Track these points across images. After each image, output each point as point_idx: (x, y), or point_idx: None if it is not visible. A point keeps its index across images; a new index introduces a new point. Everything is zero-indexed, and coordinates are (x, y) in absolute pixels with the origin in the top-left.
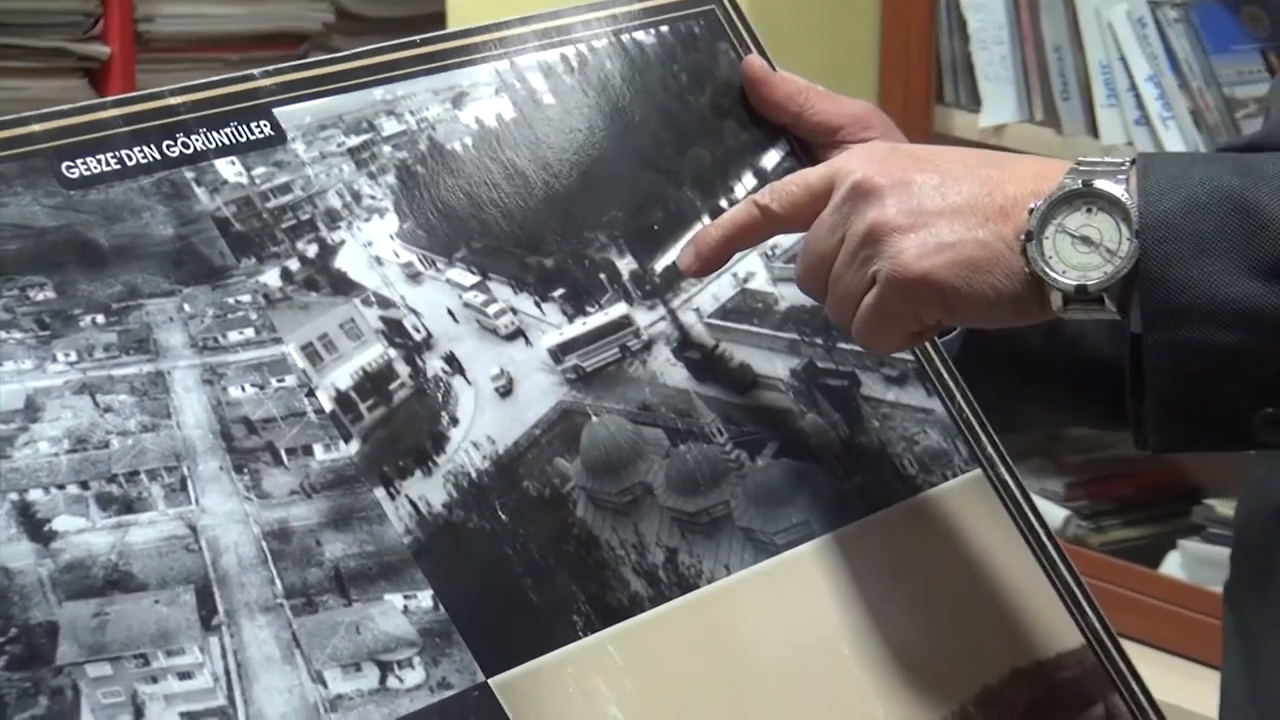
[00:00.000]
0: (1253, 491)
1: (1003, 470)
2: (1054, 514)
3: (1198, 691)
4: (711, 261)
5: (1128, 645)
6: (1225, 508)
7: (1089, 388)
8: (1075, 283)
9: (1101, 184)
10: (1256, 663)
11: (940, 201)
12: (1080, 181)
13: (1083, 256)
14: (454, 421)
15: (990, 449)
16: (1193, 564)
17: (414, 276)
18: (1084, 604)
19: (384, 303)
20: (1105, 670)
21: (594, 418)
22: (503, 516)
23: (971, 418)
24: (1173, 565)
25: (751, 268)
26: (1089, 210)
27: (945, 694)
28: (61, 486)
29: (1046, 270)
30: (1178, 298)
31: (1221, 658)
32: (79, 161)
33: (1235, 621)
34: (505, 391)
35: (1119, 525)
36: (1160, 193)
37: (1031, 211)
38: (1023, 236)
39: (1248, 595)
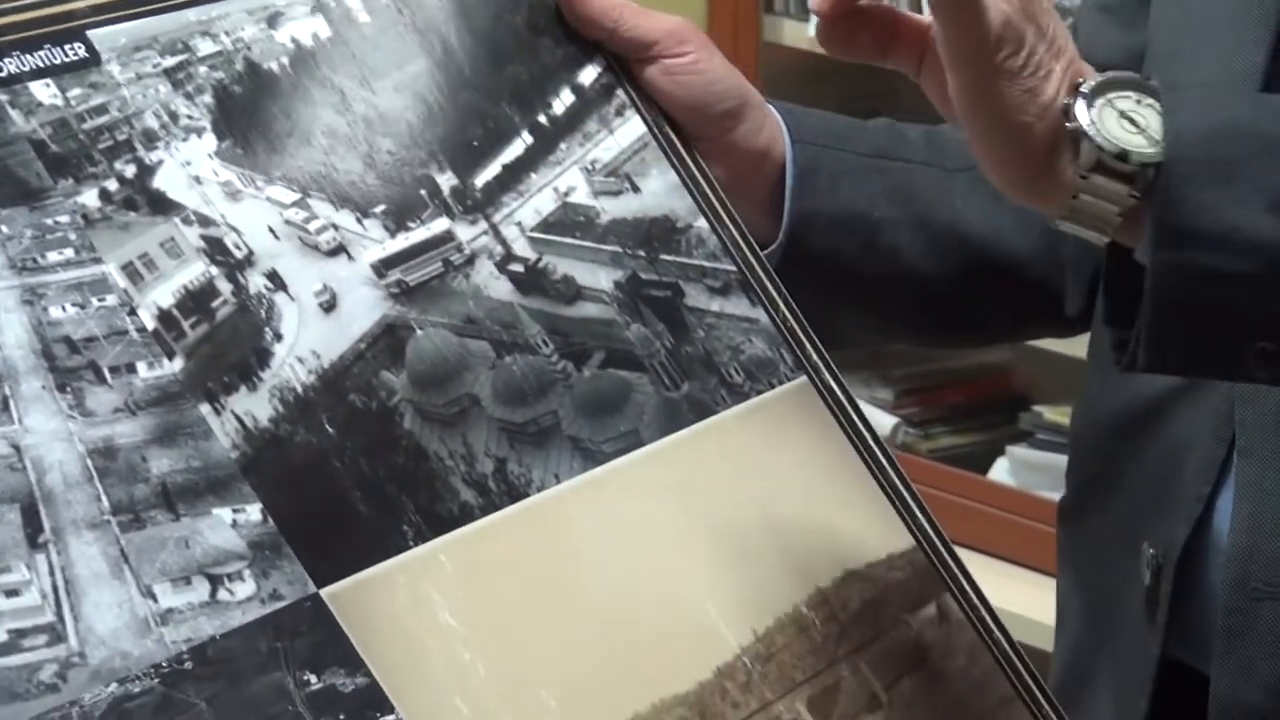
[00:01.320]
0: (1088, 407)
1: (828, 377)
2: (883, 422)
3: (1028, 596)
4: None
5: (958, 551)
6: (1053, 414)
7: (906, 302)
8: (1120, 148)
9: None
10: (1091, 578)
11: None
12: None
13: (1127, 134)
14: (278, 337)
15: (815, 356)
16: (1021, 470)
17: (234, 195)
18: (913, 506)
19: (204, 221)
20: (936, 571)
21: (419, 331)
22: (329, 430)
23: (795, 326)
24: (1001, 471)
25: (572, 182)
26: (1138, 100)
27: (778, 595)
28: None
29: (1095, 127)
30: (1194, 219)
31: (1057, 573)
32: None
33: (1070, 537)
34: (329, 307)
35: (947, 432)
36: (1191, 113)
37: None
38: (1075, 94)
39: (1083, 511)
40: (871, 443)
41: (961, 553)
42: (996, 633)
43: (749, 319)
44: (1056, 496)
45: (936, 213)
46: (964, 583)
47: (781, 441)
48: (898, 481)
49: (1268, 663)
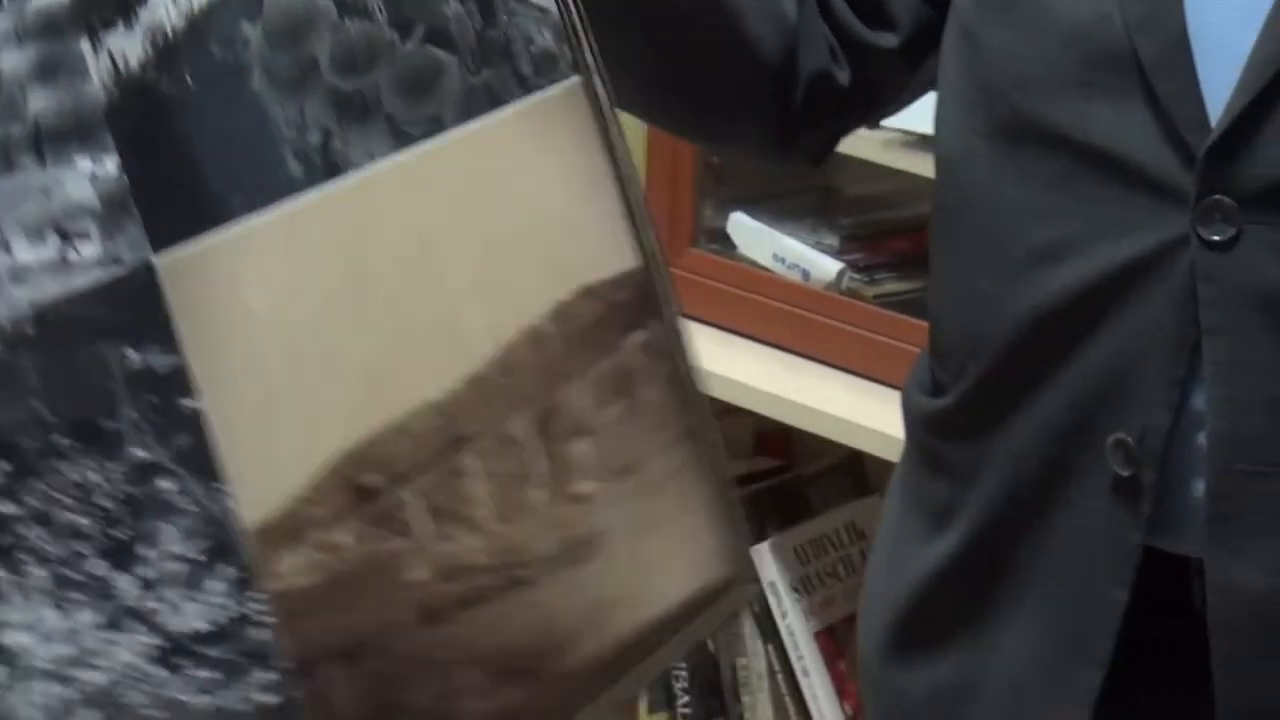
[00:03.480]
0: (986, 312)
1: (597, 82)
2: (828, 267)
3: None
4: None
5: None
6: None
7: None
8: None
9: None
10: (1003, 481)
11: None
12: None
13: None
14: None
15: (589, 57)
16: None
17: None
18: (643, 225)
19: None
20: (654, 295)
21: None
22: (189, 81)
23: (578, 23)
24: None
25: None
26: None
27: (526, 305)
28: None
29: None
30: None
31: (901, 486)
32: None
33: (959, 443)
34: None
35: (893, 279)
36: None
37: None
38: None
39: (985, 413)
40: (619, 155)
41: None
42: (685, 362)
43: (541, 7)
44: None
45: None
46: (668, 313)
47: (550, 145)
48: (634, 200)
49: (1262, 542)
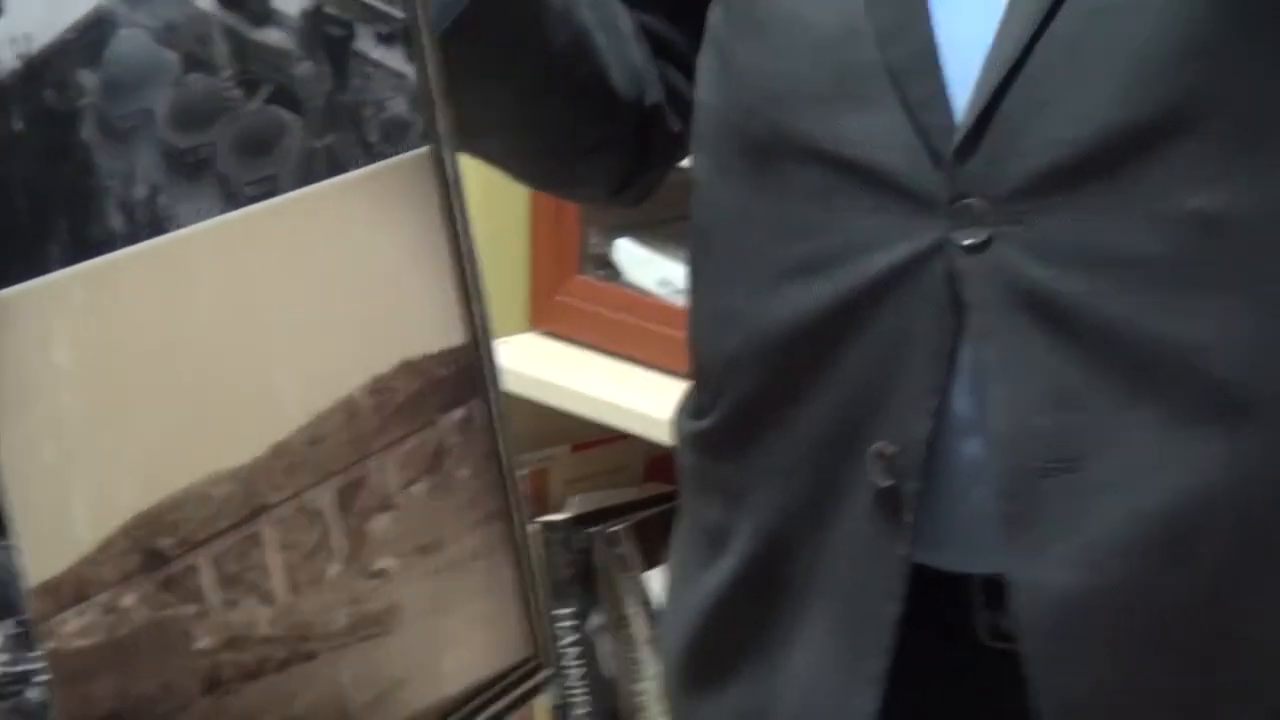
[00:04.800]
0: (737, 329)
1: (446, 153)
2: None
3: None
4: None
5: None
6: None
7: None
8: None
9: None
10: (772, 498)
11: None
12: None
13: None
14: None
15: (443, 126)
16: None
17: None
18: (475, 302)
19: None
20: (477, 373)
21: (122, 30)
22: (17, 126)
23: (436, 89)
24: None
25: None
26: None
27: (340, 377)
28: None
29: None
30: None
31: (686, 507)
32: None
33: (723, 463)
34: None
35: None
36: None
37: None
38: None
39: (748, 432)
40: (460, 230)
41: None
42: (504, 448)
43: (399, 74)
44: None
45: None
46: (493, 392)
47: (386, 215)
48: (471, 273)
49: (1061, 540)
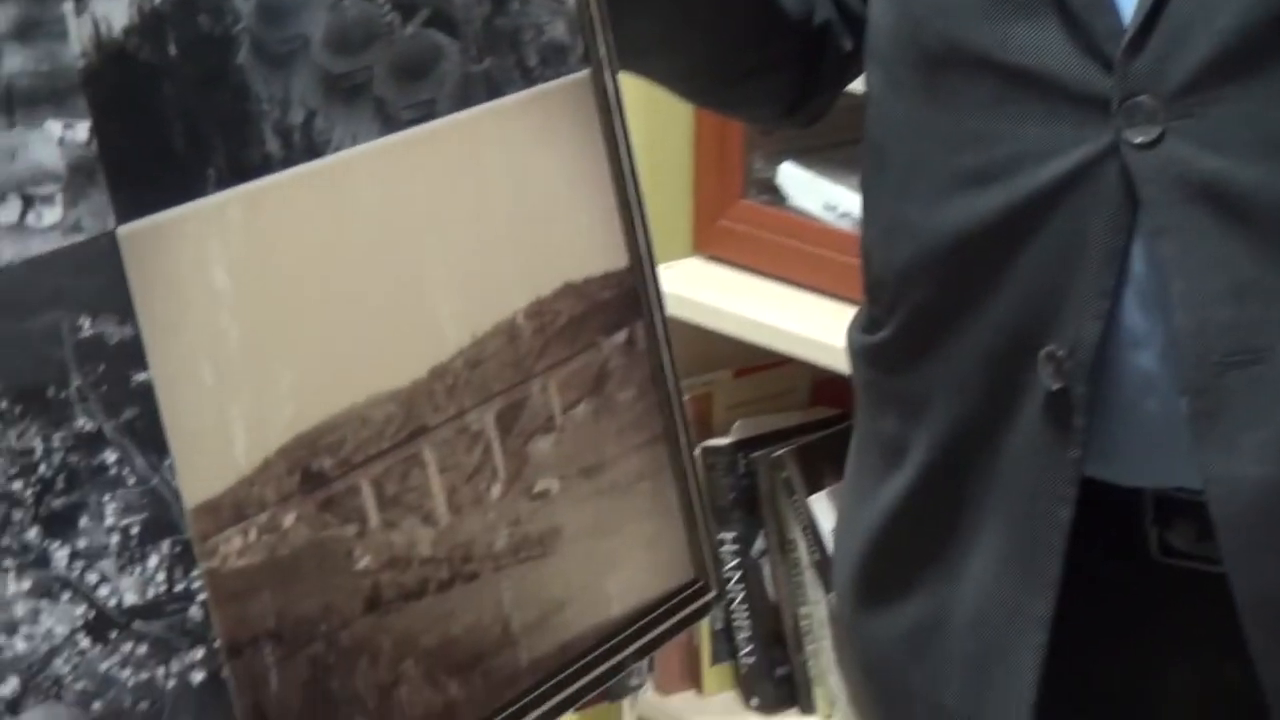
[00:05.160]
0: (910, 237)
1: (608, 77)
2: None
3: None
4: None
5: None
6: None
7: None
8: None
9: None
10: (949, 405)
11: None
12: None
13: None
14: None
15: (604, 50)
16: None
17: None
18: (638, 225)
19: None
20: (639, 296)
21: None
22: (171, 51)
23: (596, 14)
24: None
25: None
26: None
27: (502, 299)
28: None
29: None
30: None
31: (862, 418)
32: None
33: (899, 374)
34: None
35: None
36: None
37: None
38: None
39: (924, 340)
40: (622, 153)
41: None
42: (668, 368)
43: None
44: None
45: None
46: (657, 315)
47: (546, 139)
48: (634, 196)
49: (1250, 431)
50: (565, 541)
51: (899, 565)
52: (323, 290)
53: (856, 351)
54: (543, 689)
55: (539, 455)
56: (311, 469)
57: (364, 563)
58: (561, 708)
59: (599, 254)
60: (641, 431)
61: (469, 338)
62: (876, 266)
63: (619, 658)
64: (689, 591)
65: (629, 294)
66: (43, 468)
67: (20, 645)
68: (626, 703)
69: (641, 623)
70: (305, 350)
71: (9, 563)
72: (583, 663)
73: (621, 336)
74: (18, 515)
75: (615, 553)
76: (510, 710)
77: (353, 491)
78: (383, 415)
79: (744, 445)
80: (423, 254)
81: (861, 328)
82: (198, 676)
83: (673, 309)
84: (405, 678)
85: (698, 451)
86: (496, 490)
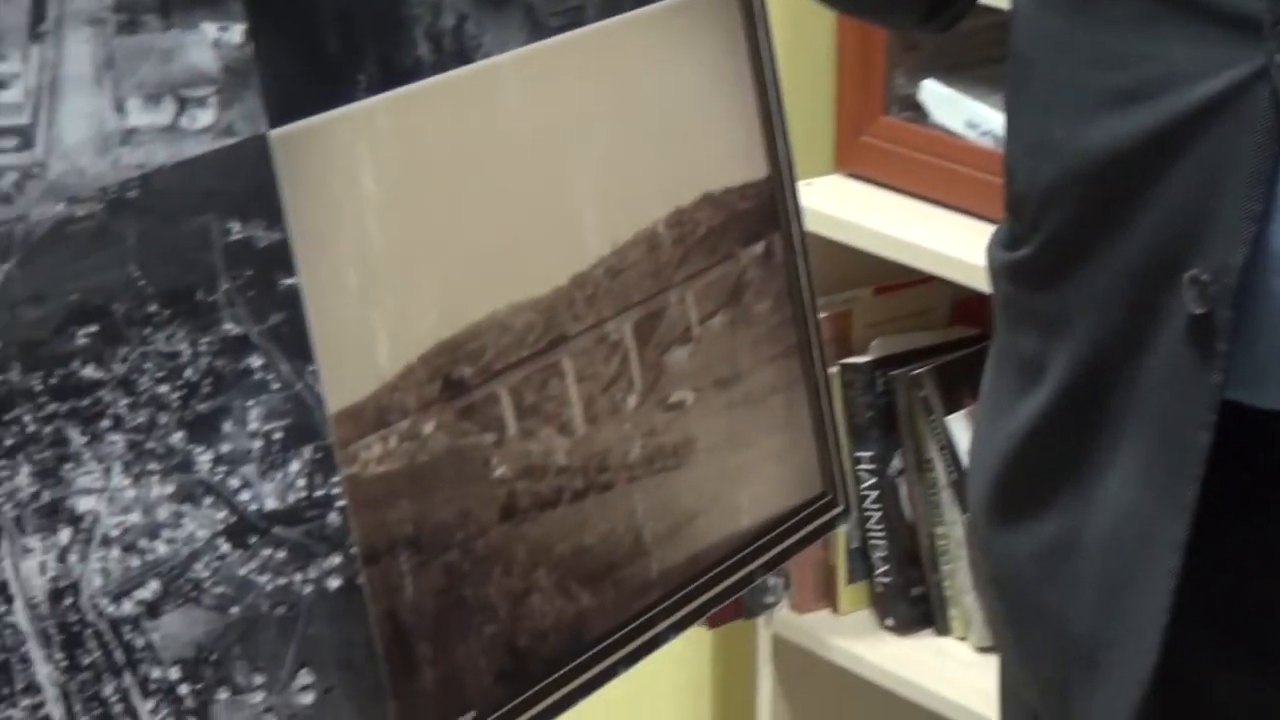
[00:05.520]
0: (1056, 158)
1: None
2: None
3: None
4: None
5: None
6: None
7: None
8: None
9: None
10: (1091, 327)
11: None
12: None
13: None
14: None
15: None
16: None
17: None
18: (778, 136)
19: None
20: (776, 208)
21: None
22: None
23: None
24: None
25: None
26: None
27: (643, 208)
28: None
29: None
30: None
31: (1000, 340)
32: None
33: (1039, 293)
34: None
35: None
36: None
37: None
38: None
39: (1063, 262)
40: (765, 64)
41: None
42: (804, 281)
43: None
44: None
45: None
46: (795, 227)
47: (690, 48)
48: (775, 108)
49: None
50: (698, 453)
51: (1033, 484)
52: (467, 197)
53: (997, 267)
54: (673, 599)
55: (675, 366)
56: (452, 376)
57: (500, 471)
58: (691, 618)
59: (739, 164)
60: (776, 344)
61: (610, 246)
62: (1020, 184)
63: (749, 569)
64: (818, 505)
65: (767, 205)
66: (189, 372)
67: (161, 549)
68: (762, 620)
69: (771, 534)
70: (449, 257)
71: (154, 466)
72: (713, 573)
73: (759, 248)
74: (163, 419)
75: (747, 465)
76: (641, 620)
77: (492, 400)
78: (523, 323)
79: (882, 363)
80: (567, 162)
81: (1002, 244)
82: (334, 583)
83: (813, 225)
84: (538, 586)
85: (836, 369)
86: (633, 401)
